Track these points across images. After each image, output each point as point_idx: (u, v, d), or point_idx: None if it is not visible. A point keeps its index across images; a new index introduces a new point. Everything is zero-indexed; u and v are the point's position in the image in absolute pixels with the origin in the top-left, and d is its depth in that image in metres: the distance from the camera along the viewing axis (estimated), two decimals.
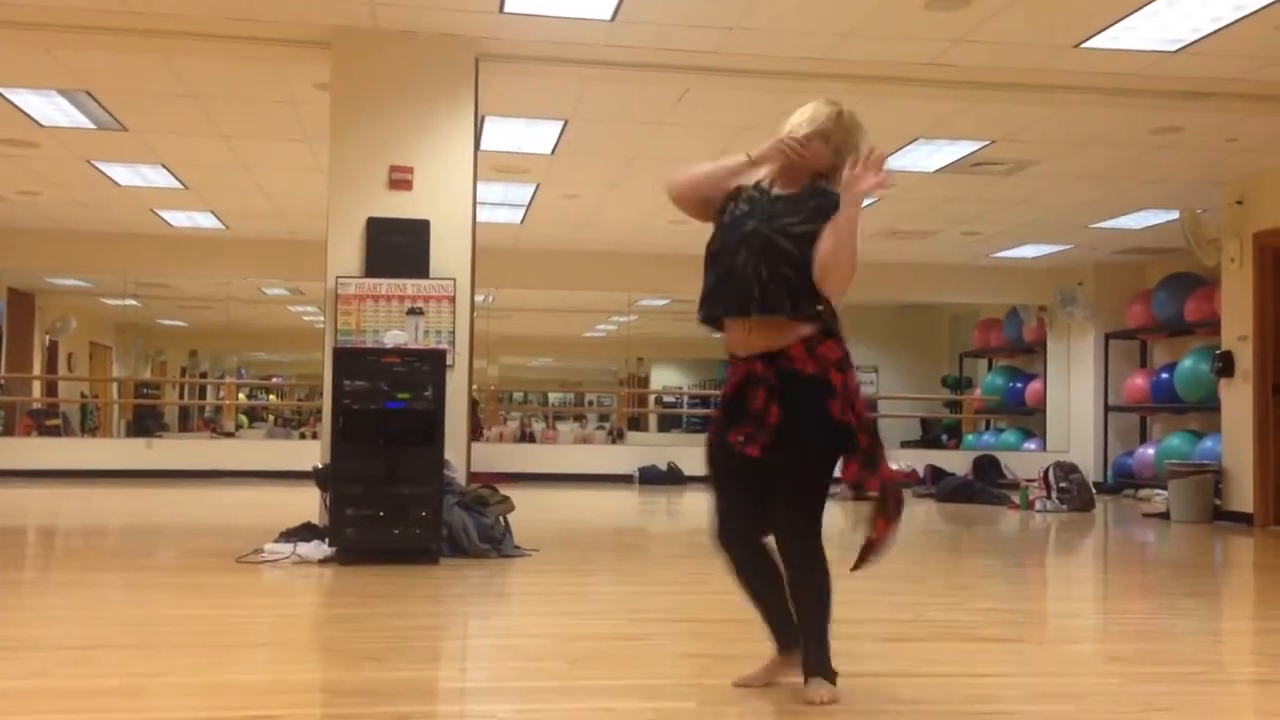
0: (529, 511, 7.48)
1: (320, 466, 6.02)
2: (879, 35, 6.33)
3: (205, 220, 12.02)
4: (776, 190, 3.21)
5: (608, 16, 6.13)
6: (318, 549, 5.73)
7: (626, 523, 9.08)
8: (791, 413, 3.04)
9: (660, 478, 13.12)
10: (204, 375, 21.56)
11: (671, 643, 4.04)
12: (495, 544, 6.05)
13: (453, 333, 6.34)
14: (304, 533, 5.95)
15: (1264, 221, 9.11)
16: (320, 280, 6.48)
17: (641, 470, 13.29)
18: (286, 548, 5.77)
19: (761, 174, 3.25)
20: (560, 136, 8.48)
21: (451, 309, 6.36)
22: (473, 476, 6.78)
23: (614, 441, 16.64)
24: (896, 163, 9.11)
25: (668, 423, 20.43)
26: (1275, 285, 9.15)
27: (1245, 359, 9.30)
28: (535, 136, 8.52)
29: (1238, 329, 9.42)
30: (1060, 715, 3.10)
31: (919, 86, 7.06)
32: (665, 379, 23.16)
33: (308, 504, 6.34)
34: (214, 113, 8.06)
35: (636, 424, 19.50)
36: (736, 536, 3.24)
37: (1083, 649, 4.27)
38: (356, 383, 5.72)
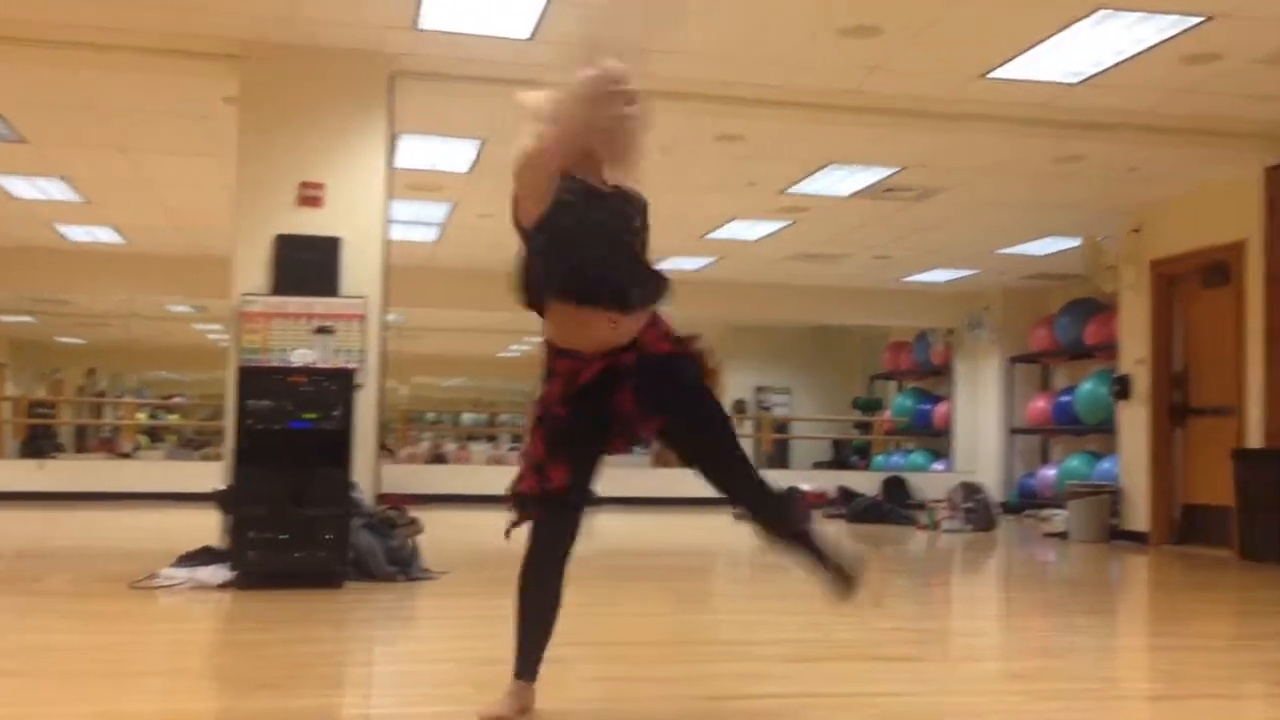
0: (439, 533, 7.38)
1: (221, 488, 5.87)
2: (795, 61, 6.41)
3: (105, 235, 11.70)
4: (598, 184, 3.03)
5: (526, 35, 6.12)
6: (216, 573, 5.57)
7: None
8: (680, 379, 3.06)
9: None
10: (102, 394, 20.96)
11: (582, 666, 4.00)
12: (403, 567, 5.96)
13: (363, 352, 6.25)
14: (203, 556, 5.78)
15: (1161, 249, 9.41)
16: (226, 298, 6.34)
17: None
18: (184, 572, 5.60)
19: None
20: (478, 155, 8.43)
21: (362, 328, 6.27)
22: (381, 498, 6.68)
23: None
24: (811, 187, 9.24)
25: None
26: (1170, 311, 9.45)
27: (1142, 382, 9.58)
28: (451, 155, 8.46)
29: (1135, 353, 9.70)
30: None
31: (833, 112, 7.17)
32: None
33: (208, 527, 6.18)
34: (116, 125, 7.87)
35: None
36: (575, 513, 3.04)
37: (984, 667, 4.33)
38: (261, 402, 5.59)
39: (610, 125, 3.02)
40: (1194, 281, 9.26)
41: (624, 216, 3.05)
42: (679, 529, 10.68)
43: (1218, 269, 8.91)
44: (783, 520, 3.15)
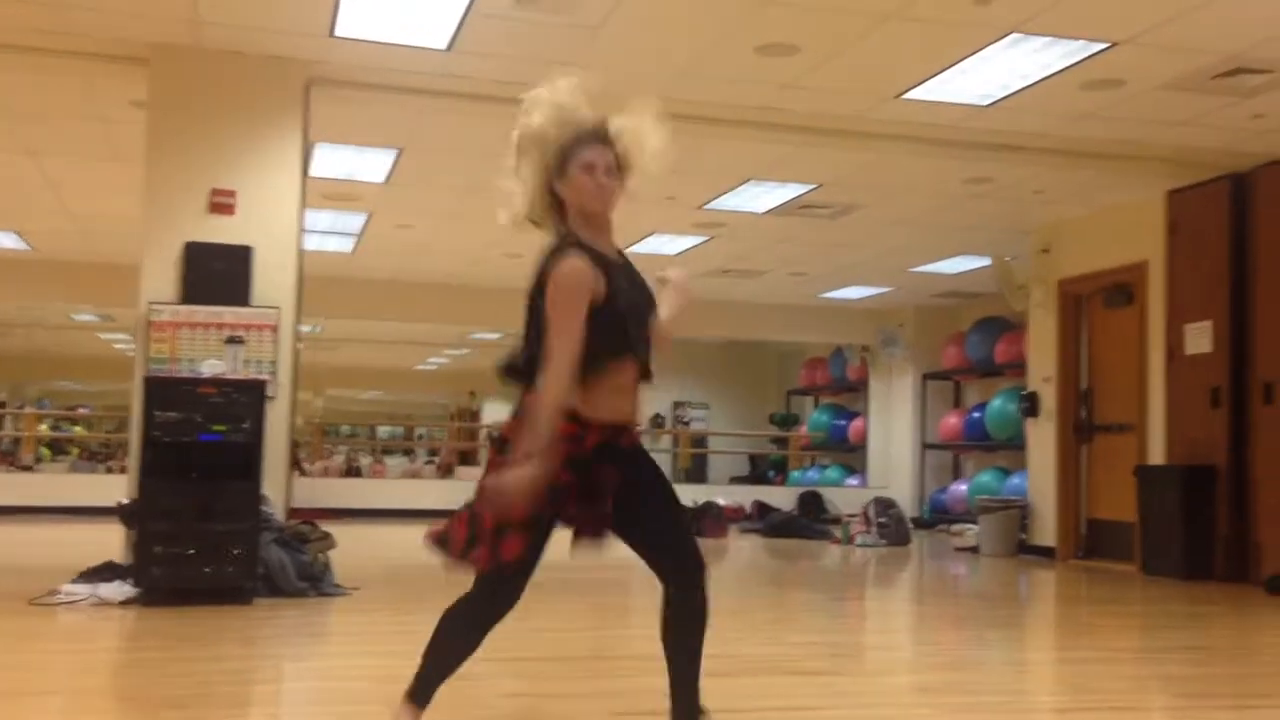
0: (352, 548, 7.26)
1: (126, 502, 5.71)
2: (713, 77, 6.46)
3: (7, 240, 11.34)
4: (614, 256, 2.93)
5: (444, 46, 6.07)
6: (120, 590, 5.42)
7: None
8: (646, 468, 3.00)
9: None
10: (2, 405, 20.28)
11: (493, 683, 3.96)
12: (314, 582, 5.85)
13: (274, 363, 6.13)
14: (105, 572, 5.62)
15: (1068, 269, 9.64)
16: (134, 306, 6.19)
17: None
18: (85, 589, 5.43)
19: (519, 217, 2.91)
20: (394, 165, 8.34)
21: (274, 338, 6.15)
22: (293, 512, 6.55)
23: (444, 476, 16.40)
24: (729, 202, 9.31)
25: None
26: (1077, 330, 9.68)
27: (1049, 400, 9.80)
28: (368, 164, 8.36)
29: (1043, 371, 9.92)
30: None
31: (750, 129, 7.23)
32: (498, 414, 23.00)
33: (112, 542, 6.01)
34: (19, 127, 7.63)
35: (467, 459, 19.29)
36: (524, 581, 2.93)
37: (896, 680, 4.38)
38: (168, 414, 5.46)
39: (589, 186, 2.86)
40: (1099, 301, 9.51)
41: (651, 298, 2.98)
42: None
43: (1121, 289, 9.16)
44: (697, 636, 3.05)
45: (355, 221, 10.27)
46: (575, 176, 2.84)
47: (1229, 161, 7.81)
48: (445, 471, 16.77)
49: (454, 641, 3.00)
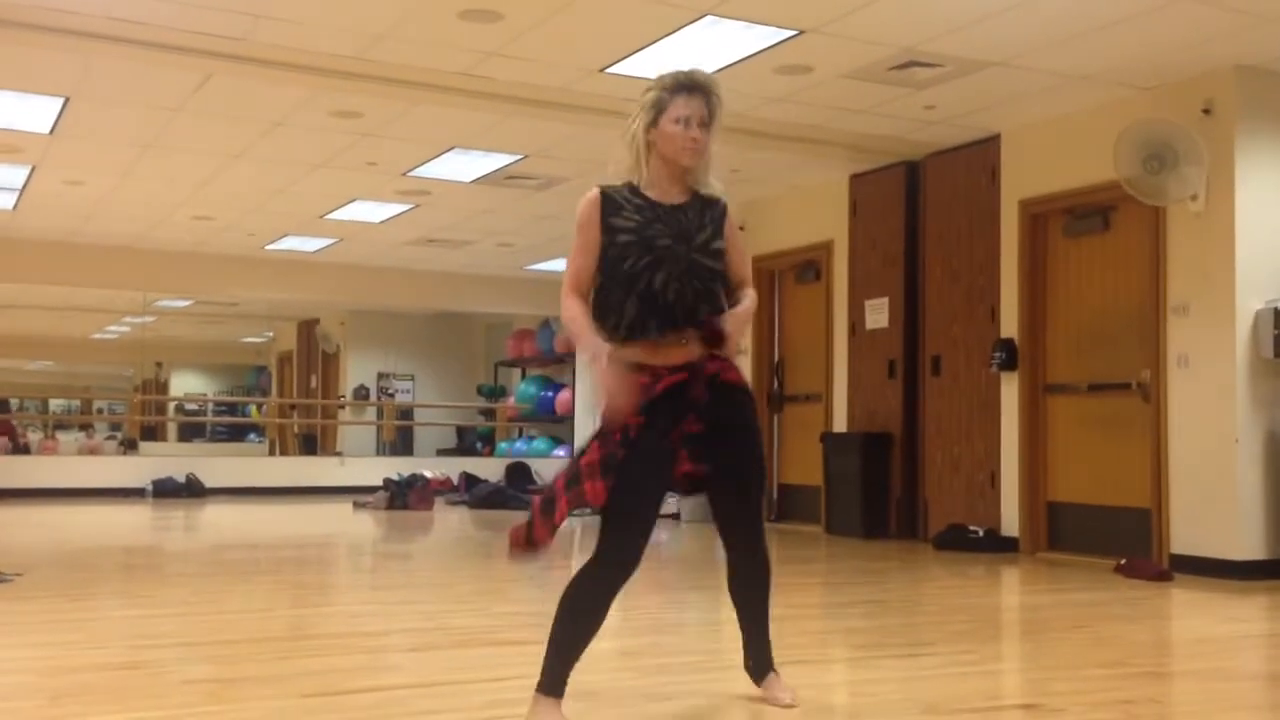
0: (17, 531, 6.67)
1: None
2: (413, 40, 6.28)
3: None
4: (664, 200, 3.01)
5: None
6: None
7: (137, 540, 8.32)
8: (740, 418, 3.09)
9: (177, 490, 12.21)
10: None
11: (178, 669, 3.72)
12: None
13: None
14: None
15: (762, 246, 10.07)
16: None
17: (155, 483, 12.30)
18: None
19: (622, 172, 3.07)
20: (61, 115, 7.64)
21: None
22: None
23: (125, 452, 15.35)
24: (433, 170, 9.13)
25: (189, 432, 19.21)
26: (771, 304, 10.13)
27: (745, 371, 10.18)
28: (30, 113, 7.62)
29: (740, 343, 10.33)
30: (573, 713, 3.19)
31: (454, 95, 7.09)
32: (187, 385, 21.73)
33: None
34: None
35: (153, 433, 18.13)
36: (638, 546, 3.05)
37: (598, 646, 4.40)
38: None
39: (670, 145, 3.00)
40: (791, 277, 10.02)
41: (688, 234, 2.98)
42: (298, 519, 10.25)
43: (809, 266, 9.69)
44: (759, 596, 3.28)
45: (16, 175, 9.35)
46: (666, 128, 2.94)
47: (905, 149, 8.38)
48: (128, 447, 15.70)
49: (577, 618, 3.07)
